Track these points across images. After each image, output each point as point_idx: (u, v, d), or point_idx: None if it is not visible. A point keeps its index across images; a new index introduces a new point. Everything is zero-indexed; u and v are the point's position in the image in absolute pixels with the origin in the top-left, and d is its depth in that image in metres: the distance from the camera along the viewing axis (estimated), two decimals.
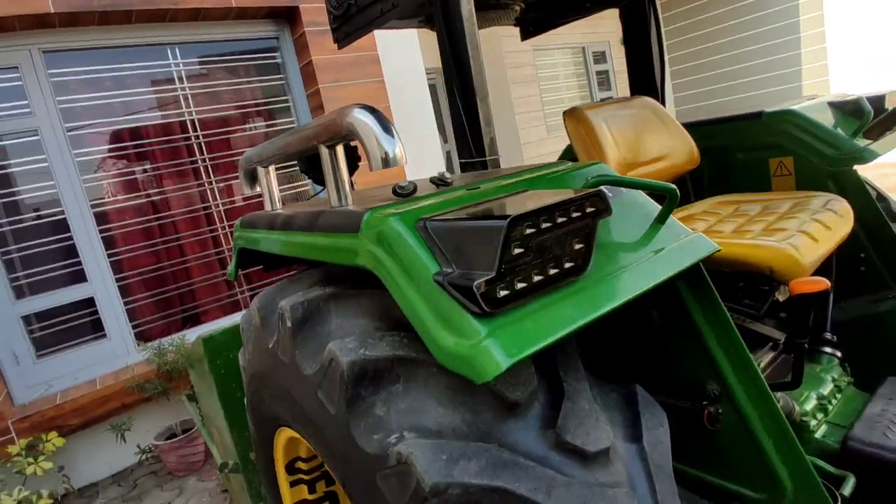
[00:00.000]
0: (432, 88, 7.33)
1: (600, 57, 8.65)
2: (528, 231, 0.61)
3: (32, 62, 3.05)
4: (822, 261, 1.14)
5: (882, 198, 1.64)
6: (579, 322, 0.64)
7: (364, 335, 0.79)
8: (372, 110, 0.85)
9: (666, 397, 0.96)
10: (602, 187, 0.78)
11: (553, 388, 0.75)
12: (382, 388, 0.74)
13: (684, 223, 1.35)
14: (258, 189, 1.36)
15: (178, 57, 3.55)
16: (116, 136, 3.43)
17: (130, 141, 3.45)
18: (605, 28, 8.57)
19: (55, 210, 3.18)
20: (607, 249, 0.75)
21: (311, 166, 1.52)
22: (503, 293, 0.61)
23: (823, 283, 1.03)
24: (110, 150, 3.43)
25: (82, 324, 3.27)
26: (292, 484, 1.39)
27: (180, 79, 3.56)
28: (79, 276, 3.22)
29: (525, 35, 2.02)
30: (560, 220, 0.63)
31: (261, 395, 1.16)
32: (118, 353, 3.31)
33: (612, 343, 1.02)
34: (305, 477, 1.39)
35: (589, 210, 0.66)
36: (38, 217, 3.18)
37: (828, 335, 1.36)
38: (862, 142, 1.37)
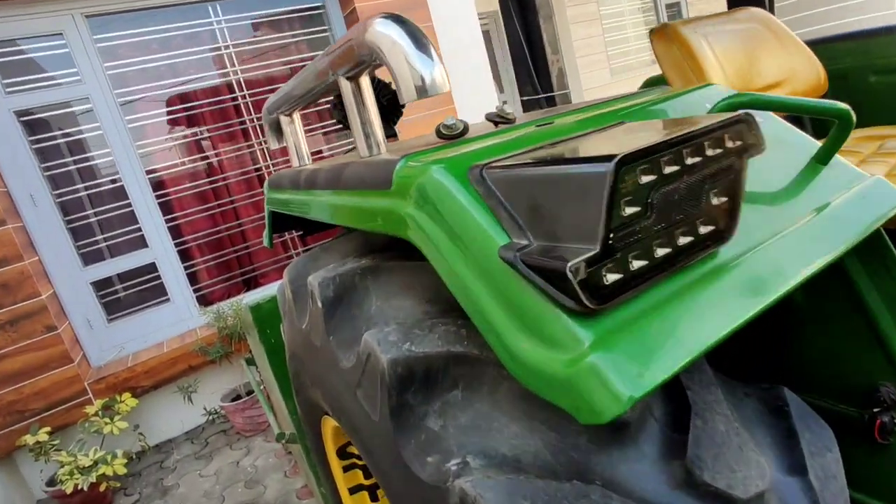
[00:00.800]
0: (485, 34, 6.89)
1: None
2: (646, 179, 0.39)
3: (77, 27, 2.99)
4: None
5: None
6: (734, 323, 0.42)
7: (409, 323, 0.61)
8: (400, 21, 0.63)
9: (819, 400, 0.72)
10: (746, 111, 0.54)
11: (674, 398, 0.54)
12: (436, 396, 0.56)
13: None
14: (284, 143, 1.18)
15: (220, 14, 3.40)
16: (165, 101, 3.37)
17: (179, 105, 3.38)
18: None
19: (113, 177, 3.19)
20: (754, 205, 0.52)
21: (342, 112, 1.33)
22: (614, 277, 0.40)
23: None
24: (160, 115, 3.38)
25: (147, 288, 3.32)
26: (345, 469, 1.28)
27: (223, 37, 3.43)
28: (140, 242, 3.25)
29: None
30: (692, 160, 0.41)
31: (300, 378, 1.02)
32: (182, 316, 3.35)
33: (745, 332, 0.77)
34: (359, 462, 1.27)
35: (733, 145, 0.43)
36: (98, 185, 3.19)
37: None
38: None
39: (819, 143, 0.60)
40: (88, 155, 3.17)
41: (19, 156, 2.90)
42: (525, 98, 1.00)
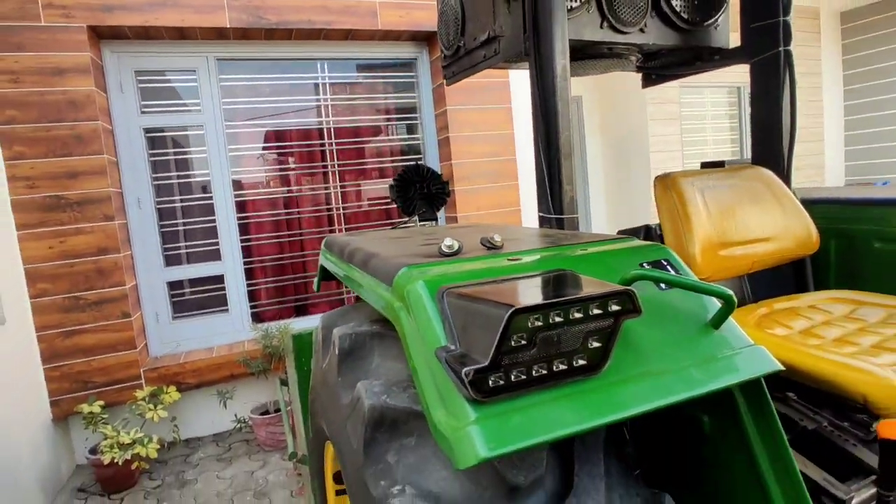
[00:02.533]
0: None
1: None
2: (536, 324, 0.60)
3: (208, 67, 3.53)
4: None
5: None
6: (576, 427, 0.61)
7: (392, 382, 0.82)
8: None
9: None
10: (639, 282, 0.73)
11: (564, 479, 0.72)
12: (396, 439, 0.76)
13: (783, 317, 1.22)
14: None
15: (326, 70, 3.90)
16: (263, 137, 3.86)
17: (274, 142, 3.86)
18: None
19: (205, 195, 3.65)
20: (641, 348, 0.71)
21: (400, 194, 1.61)
22: (498, 383, 0.60)
23: None
24: (256, 149, 3.86)
25: (211, 296, 3.71)
26: (338, 493, 1.47)
27: (324, 90, 3.91)
28: (215, 255, 3.66)
29: (647, 83, 1.93)
30: (576, 315, 0.61)
31: (315, 406, 1.24)
32: (235, 327, 3.70)
33: (655, 440, 0.94)
34: None
35: (614, 308, 0.63)
36: (192, 199, 3.66)
37: None
38: None
39: (716, 310, 0.77)
40: (190, 172, 3.66)
41: (137, 165, 3.41)
42: (541, 215, 1.21)
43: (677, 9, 1.49)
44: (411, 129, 4.27)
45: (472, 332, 0.64)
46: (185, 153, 3.67)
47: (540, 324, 0.60)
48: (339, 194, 4.02)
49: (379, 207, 4.22)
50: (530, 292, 0.65)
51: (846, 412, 1.15)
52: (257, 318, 3.78)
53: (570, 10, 1.37)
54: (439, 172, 1.58)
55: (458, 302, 0.69)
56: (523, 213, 4.25)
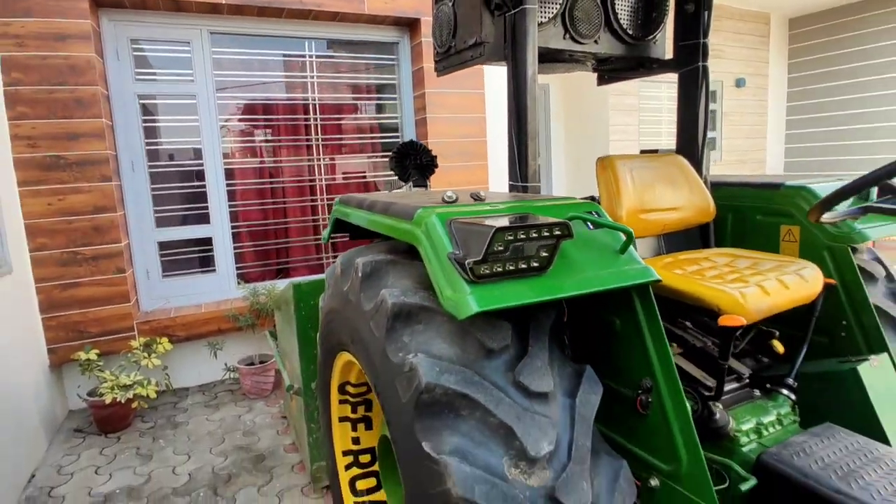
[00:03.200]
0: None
1: (710, 95, 8.50)
2: (508, 237, 0.96)
3: (201, 40, 3.74)
4: (772, 312, 1.38)
5: (891, 278, 1.80)
6: (531, 299, 0.98)
7: (406, 289, 1.17)
8: None
9: (615, 384, 1.27)
10: (576, 223, 1.12)
11: (521, 348, 1.10)
12: (410, 325, 1.12)
13: (684, 263, 1.64)
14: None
15: (313, 49, 4.15)
16: (251, 109, 4.09)
17: (262, 114, 4.10)
18: (722, 68, 8.46)
19: (196, 161, 3.88)
20: (573, 261, 1.09)
21: (398, 164, 1.94)
22: (484, 271, 0.97)
23: (740, 320, 1.28)
24: (245, 120, 4.09)
25: (200, 257, 3.96)
26: (340, 402, 1.83)
27: (311, 68, 4.17)
28: (204, 218, 3.91)
29: (600, 82, 2.32)
30: (533, 235, 0.98)
31: (331, 326, 1.59)
32: (222, 286, 3.97)
33: (589, 338, 1.34)
34: (351, 399, 1.83)
35: (556, 233, 1.00)
36: (183, 165, 3.88)
37: (790, 381, 1.58)
38: (863, 225, 1.57)
39: (622, 240, 1.16)
40: (182, 140, 3.87)
41: (131, 130, 3.61)
42: (511, 183, 1.57)
43: (624, 26, 1.87)
44: (391, 109, 4.57)
45: (470, 243, 1.00)
46: (177, 121, 3.87)
47: (511, 238, 0.97)
48: (322, 167, 4.30)
49: (357, 181, 4.52)
50: (503, 222, 1.01)
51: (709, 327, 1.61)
52: (243, 278, 4.06)
53: (540, 24, 1.73)
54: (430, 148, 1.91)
55: (460, 226, 1.05)
56: (490, 188, 4.64)
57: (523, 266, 1.00)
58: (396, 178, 1.92)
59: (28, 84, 3.15)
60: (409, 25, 4.29)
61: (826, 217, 1.37)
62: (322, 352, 1.78)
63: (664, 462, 1.21)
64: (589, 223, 1.17)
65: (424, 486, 1.01)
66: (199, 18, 3.71)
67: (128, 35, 3.57)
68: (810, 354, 1.62)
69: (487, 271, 0.98)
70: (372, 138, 4.53)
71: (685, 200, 1.77)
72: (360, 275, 1.31)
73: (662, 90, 8.03)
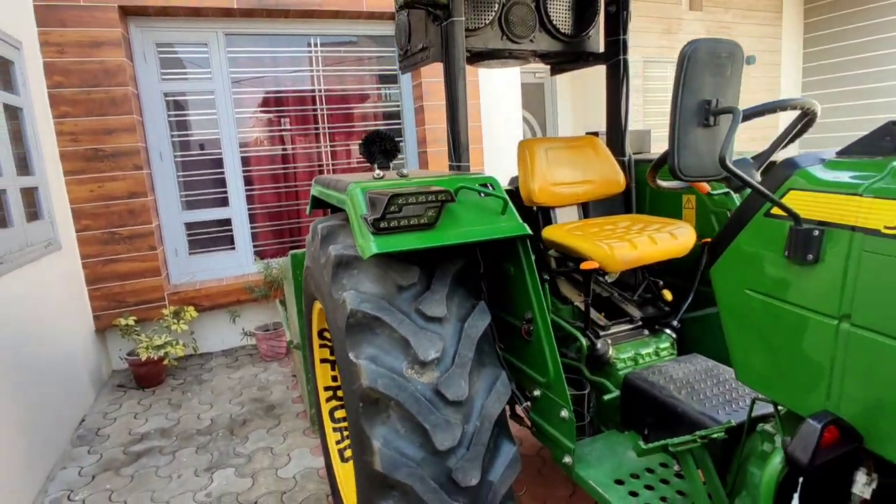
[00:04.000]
0: (540, 87, 7.90)
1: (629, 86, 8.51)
2: (401, 202, 1.33)
3: (217, 41, 4.17)
4: (639, 263, 1.69)
5: None
6: (417, 246, 1.35)
7: (347, 246, 1.56)
8: None
9: (510, 317, 1.64)
10: (465, 190, 1.48)
11: (426, 286, 1.47)
12: (348, 271, 1.51)
13: (588, 228, 1.97)
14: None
15: (318, 44, 4.53)
16: (264, 102, 4.52)
17: (274, 106, 4.52)
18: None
19: (215, 150, 4.33)
20: (461, 220, 1.44)
21: (366, 150, 2.31)
22: (382, 225, 1.34)
23: (593, 264, 1.62)
24: (259, 112, 4.53)
25: (220, 237, 4.44)
26: (320, 346, 2.24)
27: (317, 62, 4.56)
28: (223, 202, 4.37)
29: (553, 72, 2.63)
30: (421, 199, 1.34)
31: (307, 280, 1.99)
32: (241, 263, 4.45)
33: (495, 284, 1.72)
34: (329, 343, 2.24)
35: (441, 198, 1.36)
36: (204, 154, 4.35)
37: (674, 322, 1.90)
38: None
39: (503, 201, 1.49)
40: (203, 131, 4.33)
41: (159, 124, 4.08)
42: (450, 164, 1.94)
43: (557, 26, 2.18)
44: (392, 98, 4.93)
45: (377, 207, 1.38)
46: (198, 115, 4.33)
47: (403, 202, 1.34)
48: (329, 153, 4.71)
49: (363, 165, 4.92)
50: (402, 189, 1.38)
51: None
52: (258, 255, 4.52)
53: (479, 28, 2.07)
54: (395, 136, 2.26)
55: (374, 195, 1.42)
56: (486, 170, 4.97)
57: (414, 223, 1.37)
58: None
59: (69, 86, 3.63)
60: None
61: (663, 184, 1.63)
62: (305, 304, 2.19)
63: (541, 376, 1.57)
64: (481, 193, 1.53)
65: (349, 384, 1.40)
66: (214, 22, 4.13)
67: (153, 39, 4.02)
68: (699, 304, 1.93)
69: (385, 226, 1.35)
70: (376, 126, 4.91)
71: (596, 175, 2.09)
72: (319, 237, 1.69)
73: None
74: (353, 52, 4.70)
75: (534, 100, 7.88)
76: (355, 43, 4.69)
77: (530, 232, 1.48)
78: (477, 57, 2.27)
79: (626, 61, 2.24)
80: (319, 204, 2.23)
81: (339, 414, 2.24)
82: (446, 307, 1.44)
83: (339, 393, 2.26)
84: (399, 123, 4.94)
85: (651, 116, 8.01)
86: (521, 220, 1.50)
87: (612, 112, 2.28)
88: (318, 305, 2.00)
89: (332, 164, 4.73)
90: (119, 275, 3.89)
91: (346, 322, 1.40)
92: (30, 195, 3.16)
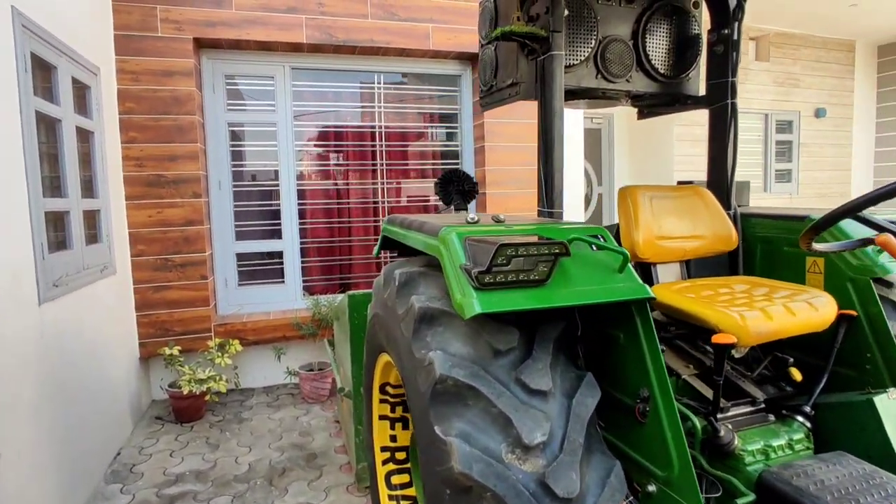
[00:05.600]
0: (597, 133, 7.75)
1: (785, 126, 8.23)
2: (510, 253, 1.13)
3: (284, 74, 4.18)
4: (775, 337, 1.43)
5: None
6: (527, 306, 1.14)
7: (432, 297, 1.36)
8: None
9: (618, 393, 1.39)
10: (588, 247, 1.28)
11: (528, 353, 1.25)
12: (432, 327, 1.30)
13: (701, 289, 1.72)
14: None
15: (381, 81, 4.50)
16: (324, 135, 4.48)
17: (333, 141, 4.48)
18: (799, 97, 8.16)
19: (269, 181, 4.29)
20: (573, 277, 1.23)
21: (442, 190, 2.15)
22: (488, 280, 1.14)
23: (730, 339, 1.35)
24: (317, 145, 4.49)
25: (271, 269, 4.35)
26: (381, 401, 2.03)
27: (379, 98, 4.52)
28: (277, 234, 4.30)
29: (640, 116, 2.44)
30: (532, 252, 1.14)
31: (375, 329, 1.80)
32: (289, 297, 4.33)
33: (595, 349, 1.47)
34: (390, 399, 2.02)
35: (554, 251, 1.16)
36: (262, 185, 4.31)
37: (806, 408, 1.60)
38: (884, 258, 1.57)
39: (622, 257, 1.28)
40: (262, 162, 4.31)
41: (220, 153, 4.08)
42: (539, 209, 1.75)
43: (656, 66, 2.00)
44: (451, 137, 4.84)
45: (479, 257, 1.18)
46: (266, 146, 4.32)
47: (513, 253, 1.14)
48: (385, 190, 4.62)
49: (418, 203, 4.80)
50: (509, 239, 1.18)
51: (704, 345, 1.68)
52: (307, 290, 4.40)
53: (574, 65, 1.91)
54: (472, 176, 2.10)
55: (473, 243, 1.23)
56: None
57: (523, 278, 1.16)
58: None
59: (139, 113, 3.66)
60: (471, 59, 4.57)
61: (819, 247, 1.40)
62: (367, 353, 1.99)
63: (660, 469, 1.31)
64: (593, 245, 1.32)
65: (434, 465, 1.18)
66: (282, 56, 4.16)
67: (223, 71, 4.06)
68: (835, 386, 1.64)
69: (491, 280, 1.15)
70: (434, 164, 4.81)
71: (706, 229, 1.85)
72: (396, 284, 1.51)
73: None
74: (415, 90, 4.65)
75: (589, 146, 7.72)
76: (419, 79, 4.65)
77: (654, 295, 1.26)
78: (569, 95, 2.11)
79: (734, 106, 2.02)
80: (388, 244, 2.07)
81: (398, 480, 2.00)
82: (551, 378, 1.21)
83: (399, 455, 2.03)
84: (457, 163, 4.82)
85: (812, 170, 7.74)
86: (640, 280, 1.28)
87: (717, 161, 2.06)
88: (385, 358, 1.80)
89: (388, 202, 4.63)
90: (168, 302, 3.82)
91: (433, 389, 1.19)
92: (90, 217, 3.13)
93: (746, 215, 2.01)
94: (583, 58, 1.89)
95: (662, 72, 2.01)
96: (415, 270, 1.52)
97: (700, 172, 6.82)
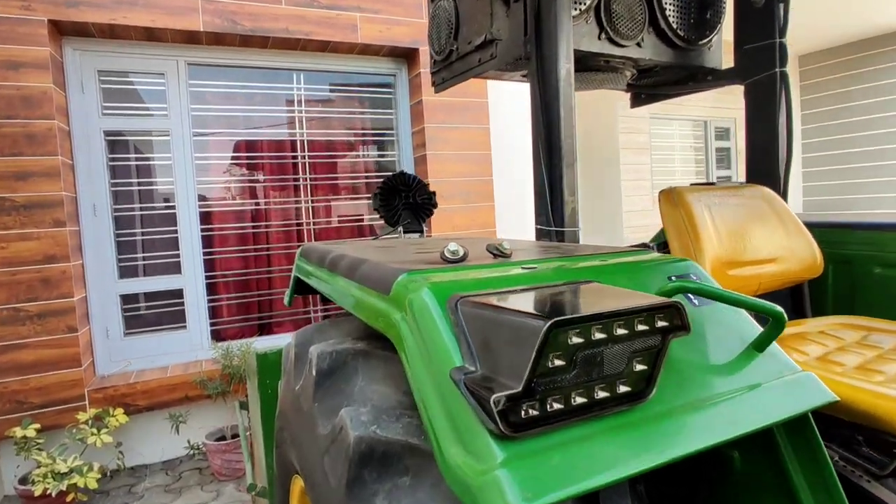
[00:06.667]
0: None
1: (723, 133, 8.26)
2: (576, 340, 0.50)
3: (177, 72, 3.38)
4: None
5: None
6: (630, 470, 0.51)
7: (382, 408, 0.70)
8: None
9: None
10: (683, 296, 0.64)
11: None
12: (388, 478, 0.64)
13: (794, 343, 1.15)
14: None
15: (302, 82, 3.79)
16: (233, 146, 3.70)
17: (245, 152, 3.70)
18: (734, 104, 8.18)
19: (168, 204, 3.45)
20: (683, 374, 0.61)
21: (384, 203, 1.49)
22: (531, 413, 0.50)
23: None
24: (225, 159, 3.70)
25: (168, 312, 3.48)
26: None
27: (300, 102, 3.80)
28: (174, 268, 3.45)
29: (636, 102, 1.90)
30: (620, 332, 0.52)
31: (283, 433, 1.10)
32: (193, 345, 3.47)
33: (680, 480, 0.84)
34: None
35: (660, 325, 0.54)
36: (153, 208, 3.46)
37: None
38: None
39: (759, 331, 0.69)
40: (153, 180, 3.47)
41: (95, 169, 3.20)
42: (539, 227, 1.13)
43: (674, 25, 1.46)
44: (387, 146, 4.19)
45: (498, 350, 0.53)
46: (147, 159, 3.48)
47: (581, 340, 0.50)
48: (311, 209, 3.88)
49: (351, 224, 4.09)
50: (563, 304, 0.55)
51: (854, 446, 1.09)
52: (217, 336, 3.56)
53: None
54: (425, 182, 1.49)
55: (477, 312, 0.58)
56: (498, 234, 4.20)
57: (604, 395, 0.53)
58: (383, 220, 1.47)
59: None
60: (407, 56, 3.95)
61: None
62: (276, 465, 1.28)
63: None
64: (691, 297, 0.70)
65: None
66: (174, 49, 3.36)
67: (95, 66, 3.21)
68: None
69: (535, 412, 0.50)
70: (367, 178, 4.12)
71: (784, 248, 1.30)
72: (313, 372, 0.83)
73: (674, 127, 7.72)
74: (343, 92, 3.97)
75: None
76: (347, 82, 3.97)
77: (836, 397, 0.65)
78: None
79: (784, 75, 1.50)
80: (305, 287, 1.38)
81: None
82: None
83: None
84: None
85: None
86: (794, 364, 0.67)
87: (761, 151, 1.52)
88: (299, 483, 1.10)
89: (314, 223, 3.89)
90: (21, 366, 2.89)
91: None
92: None
93: (809, 225, 1.46)
94: (582, 7, 1.29)
95: (683, 35, 1.46)
96: (346, 349, 0.84)
97: (644, 183, 6.41)
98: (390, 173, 4.15)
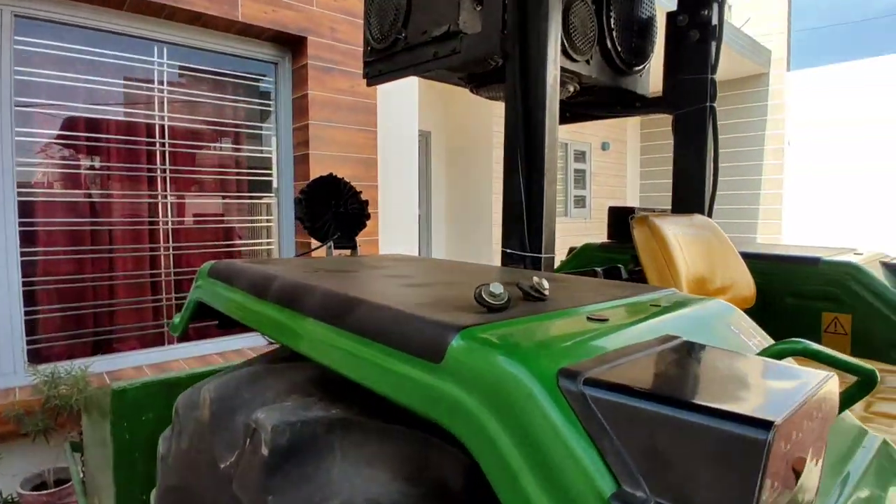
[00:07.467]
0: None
1: (580, 157, 9.02)
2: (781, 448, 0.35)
3: (1, 24, 2.68)
4: None
5: None
6: None
7: None
8: None
9: None
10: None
11: None
12: None
13: None
14: None
15: (164, 57, 3.25)
16: (70, 123, 3.03)
17: (84, 131, 3.06)
18: (590, 131, 8.96)
19: None
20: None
21: (308, 212, 1.24)
22: None
23: None
24: (58, 137, 3.01)
25: None
26: None
27: (160, 81, 3.25)
28: None
29: (562, 121, 1.87)
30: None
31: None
32: (3, 370, 2.75)
33: None
34: None
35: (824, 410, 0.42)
36: None
37: None
38: None
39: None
40: None
41: None
42: (509, 251, 0.99)
43: (618, 47, 1.43)
44: (263, 140, 3.78)
45: (680, 465, 0.36)
46: None
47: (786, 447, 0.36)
48: (169, 206, 3.33)
49: (216, 226, 3.60)
50: (741, 388, 0.40)
51: None
52: (37, 357, 2.87)
53: None
54: (356, 189, 1.26)
55: (626, 403, 0.39)
56: (381, 244, 4.00)
57: None
58: (309, 232, 1.21)
59: None
60: (293, 44, 3.61)
61: None
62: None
63: None
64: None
65: None
66: None
67: None
68: None
69: None
70: (238, 174, 3.67)
71: (731, 279, 1.32)
72: (264, 451, 0.59)
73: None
74: (215, 75, 3.49)
75: None
76: (221, 64, 3.50)
77: None
78: (491, 78, 1.39)
79: (713, 109, 1.55)
80: (205, 313, 1.07)
81: None
82: None
83: None
84: (269, 173, 3.77)
85: (599, 197, 8.11)
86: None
87: (686, 182, 1.55)
88: None
89: (172, 222, 3.34)
90: None
91: None
92: None
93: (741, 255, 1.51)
94: None
95: (623, 58, 1.44)
96: (315, 417, 0.61)
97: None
98: (261, 174, 3.75)
